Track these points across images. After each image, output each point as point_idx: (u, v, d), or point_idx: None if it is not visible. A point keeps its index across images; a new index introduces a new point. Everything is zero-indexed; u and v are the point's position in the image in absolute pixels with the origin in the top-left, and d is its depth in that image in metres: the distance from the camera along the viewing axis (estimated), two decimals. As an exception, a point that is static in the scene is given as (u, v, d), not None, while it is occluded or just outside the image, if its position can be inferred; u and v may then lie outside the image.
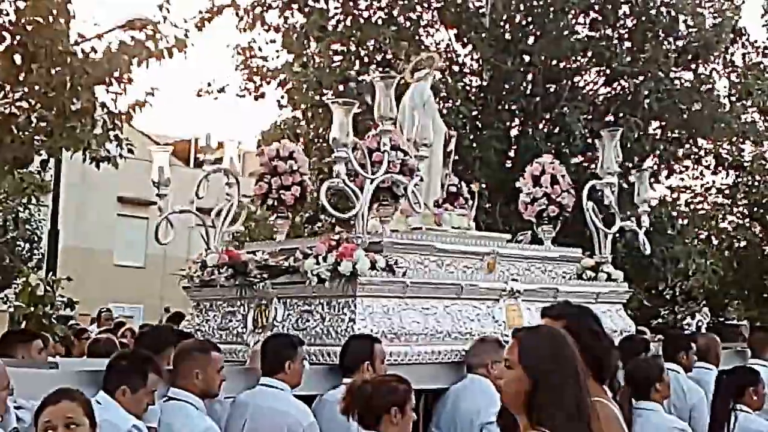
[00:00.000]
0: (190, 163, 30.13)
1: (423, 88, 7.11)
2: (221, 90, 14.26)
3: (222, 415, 4.80)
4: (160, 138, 31.71)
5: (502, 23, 14.64)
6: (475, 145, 14.36)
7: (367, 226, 5.81)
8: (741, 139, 17.58)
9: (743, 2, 16.16)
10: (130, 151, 10.34)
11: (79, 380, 4.26)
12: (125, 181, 25.12)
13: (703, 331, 13.80)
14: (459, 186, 7.62)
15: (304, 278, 5.66)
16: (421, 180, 6.42)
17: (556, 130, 14.74)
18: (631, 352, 5.51)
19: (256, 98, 14.40)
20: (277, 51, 14.43)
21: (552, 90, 14.84)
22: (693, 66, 15.24)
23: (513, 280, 6.41)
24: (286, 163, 6.94)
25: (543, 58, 14.44)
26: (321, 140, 14.42)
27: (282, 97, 14.70)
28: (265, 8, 13.93)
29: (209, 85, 14.19)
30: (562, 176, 7.50)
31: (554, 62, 14.64)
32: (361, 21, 14.13)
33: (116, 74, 8.66)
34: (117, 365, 4.32)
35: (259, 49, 14.34)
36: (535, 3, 14.51)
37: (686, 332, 11.57)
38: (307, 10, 13.82)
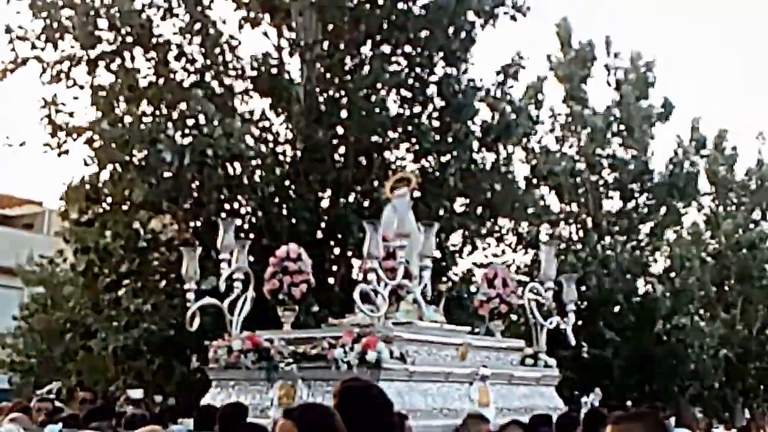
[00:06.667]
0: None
1: (403, 205, 8.53)
2: (22, 144, 13.64)
3: None
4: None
5: (316, 95, 14.91)
6: (286, 213, 14.39)
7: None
8: (539, 220, 18.60)
9: (542, 87, 17.39)
10: None
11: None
12: None
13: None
14: None
15: (329, 364, 6.96)
16: (426, 286, 8.09)
17: (367, 203, 15.01)
18: (568, 426, 7.23)
19: (59, 154, 13.84)
20: (86, 108, 14.02)
21: (363, 163, 15.17)
22: (494, 148, 16.04)
23: (483, 366, 8.00)
24: (295, 264, 8.00)
25: (355, 131, 14.78)
26: (128, 201, 13.98)
27: (89, 156, 14.21)
28: (73, 63, 13.53)
29: (8, 138, 13.56)
30: (511, 280, 9.02)
31: (366, 136, 14.99)
32: (173, 83, 13.98)
33: None
34: None
35: (63, 104, 13.85)
36: (347, 78, 14.90)
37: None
38: (115, 68, 13.54)
